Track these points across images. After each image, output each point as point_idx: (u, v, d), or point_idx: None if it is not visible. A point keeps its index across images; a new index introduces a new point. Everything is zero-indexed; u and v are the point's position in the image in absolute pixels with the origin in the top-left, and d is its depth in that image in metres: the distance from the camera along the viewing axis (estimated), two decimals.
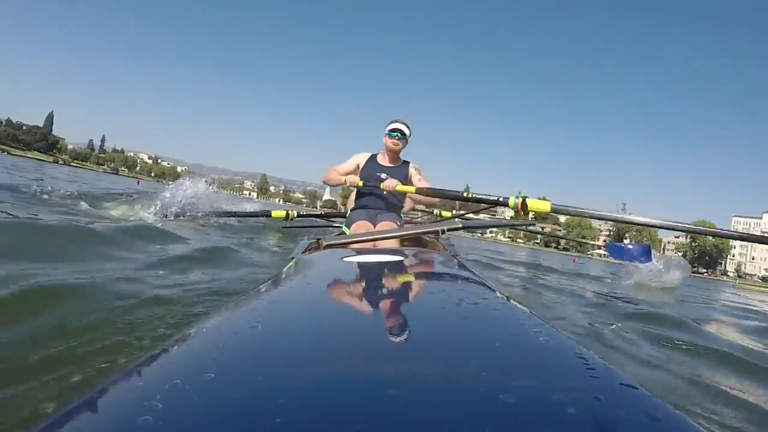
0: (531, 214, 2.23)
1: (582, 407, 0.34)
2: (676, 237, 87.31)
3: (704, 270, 73.01)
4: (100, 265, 1.97)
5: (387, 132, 2.66)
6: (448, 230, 1.67)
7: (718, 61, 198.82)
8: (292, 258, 1.53)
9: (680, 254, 78.51)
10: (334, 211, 4.72)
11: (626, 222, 2.39)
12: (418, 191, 2.48)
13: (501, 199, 2.29)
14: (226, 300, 1.51)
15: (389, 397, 0.36)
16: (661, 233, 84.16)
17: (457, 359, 0.46)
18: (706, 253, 74.16)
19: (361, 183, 2.61)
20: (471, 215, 4.31)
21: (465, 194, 2.44)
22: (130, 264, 2.09)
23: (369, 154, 2.80)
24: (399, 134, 2.63)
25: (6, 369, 0.94)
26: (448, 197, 3.70)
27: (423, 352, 0.49)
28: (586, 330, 2.25)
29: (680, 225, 2.25)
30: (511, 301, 0.75)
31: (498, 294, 0.81)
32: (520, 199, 2.06)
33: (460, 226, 1.74)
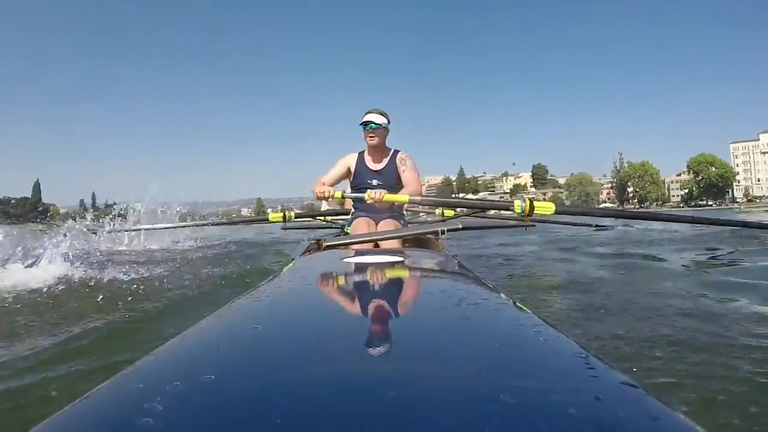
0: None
1: (582, 407, 0.35)
2: (678, 175, 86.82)
3: (712, 202, 72.23)
4: None
5: (361, 126, 2.45)
6: (449, 230, 1.70)
7: None
8: (293, 258, 1.53)
9: (686, 191, 78.03)
10: (334, 209, 4.49)
11: (625, 216, 2.98)
12: (412, 201, 2.20)
13: (505, 203, 2.25)
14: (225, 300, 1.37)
15: (389, 397, 0.36)
16: (663, 173, 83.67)
17: (457, 359, 0.46)
18: (713, 184, 73.13)
19: (339, 194, 2.40)
20: (472, 216, 4.56)
21: (468, 197, 2.89)
22: None
23: (357, 154, 2.57)
24: (373, 125, 2.40)
25: None
26: (448, 205, 3.39)
27: (422, 353, 0.49)
28: None
29: (670, 215, 2.45)
30: (511, 301, 0.76)
31: (497, 294, 0.82)
32: (527, 203, 1.96)
33: (460, 226, 1.83)
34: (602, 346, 1.49)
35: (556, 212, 2.01)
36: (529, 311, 0.67)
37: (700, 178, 73.57)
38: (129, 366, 0.43)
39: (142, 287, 2.47)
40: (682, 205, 76.62)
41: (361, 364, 0.45)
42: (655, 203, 77.65)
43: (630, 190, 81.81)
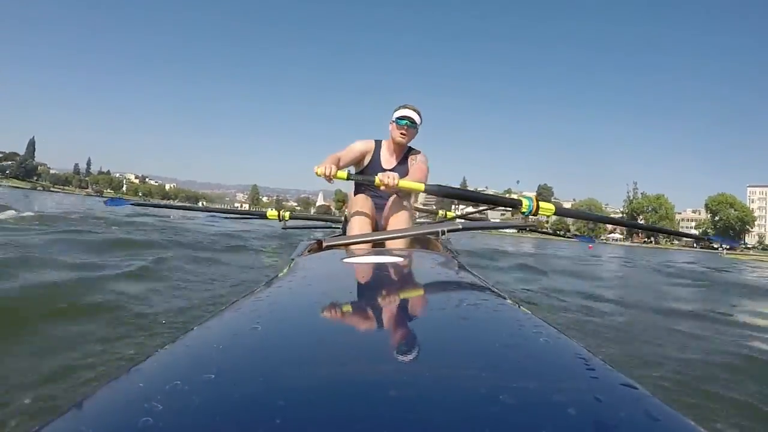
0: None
1: (582, 408, 0.35)
2: (688, 214, 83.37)
3: (717, 246, 68.21)
4: None
5: (394, 119, 2.23)
6: (449, 231, 1.71)
7: (716, 33, 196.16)
8: (293, 259, 1.55)
9: (700, 231, 74.47)
10: (328, 216, 4.43)
11: (626, 225, 4.92)
12: (428, 190, 1.95)
13: (513, 200, 2.15)
14: (225, 301, 1.43)
15: (389, 398, 0.36)
16: (677, 209, 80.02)
17: (457, 360, 0.46)
18: (730, 227, 69.09)
19: (344, 174, 2.08)
20: (474, 216, 4.90)
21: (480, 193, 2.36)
22: None
23: (374, 144, 2.34)
24: (408, 122, 2.21)
25: None
26: (462, 197, 3.22)
27: (422, 354, 0.49)
28: None
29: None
30: (512, 302, 0.75)
31: (498, 295, 0.82)
32: (534, 202, 1.96)
33: (461, 227, 1.80)
34: None
35: (557, 213, 2.10)
36: (529, 312, 0.66)
37: (718, 218, 69.47)
38: (131, 366, 0.43)
39: None
40: (694, 244, 73.05)
41: (361, 364, 0.45)
42: (666, 239, 74.01)
43: (641, 220, 78.28)
